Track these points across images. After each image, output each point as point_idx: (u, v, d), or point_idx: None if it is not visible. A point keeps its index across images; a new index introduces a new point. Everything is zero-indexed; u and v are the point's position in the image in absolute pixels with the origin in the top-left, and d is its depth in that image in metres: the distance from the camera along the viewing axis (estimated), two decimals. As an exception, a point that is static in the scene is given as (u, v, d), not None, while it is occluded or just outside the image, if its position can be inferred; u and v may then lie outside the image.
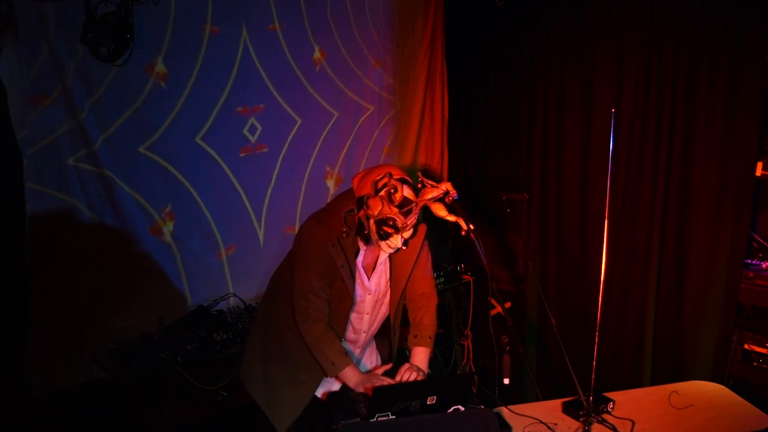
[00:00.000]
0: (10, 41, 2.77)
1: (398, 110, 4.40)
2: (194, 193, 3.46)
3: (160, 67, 3.24)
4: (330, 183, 4.04)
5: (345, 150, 4.09)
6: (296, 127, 3.80)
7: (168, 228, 3.38)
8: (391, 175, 2.15)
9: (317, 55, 3.84)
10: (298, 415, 2.41)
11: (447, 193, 2.15)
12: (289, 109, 3.77)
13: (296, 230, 3.64)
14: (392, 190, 2.12)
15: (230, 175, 3.58)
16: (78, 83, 3.00)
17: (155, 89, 3.23)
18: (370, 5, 4.11)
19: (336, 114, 4.00)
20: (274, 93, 3.70)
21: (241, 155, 3.60)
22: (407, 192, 2.15)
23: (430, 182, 2.17)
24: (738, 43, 3.10)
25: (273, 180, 3.76)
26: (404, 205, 2.13)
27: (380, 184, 2.15)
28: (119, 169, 3.17)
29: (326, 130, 3.97)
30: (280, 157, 3.78)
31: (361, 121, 4.17)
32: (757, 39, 3.05)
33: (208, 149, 3.48)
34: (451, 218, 2.19)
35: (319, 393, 2.49)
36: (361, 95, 4.16)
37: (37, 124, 2.92)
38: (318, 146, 3.94)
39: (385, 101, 4.32)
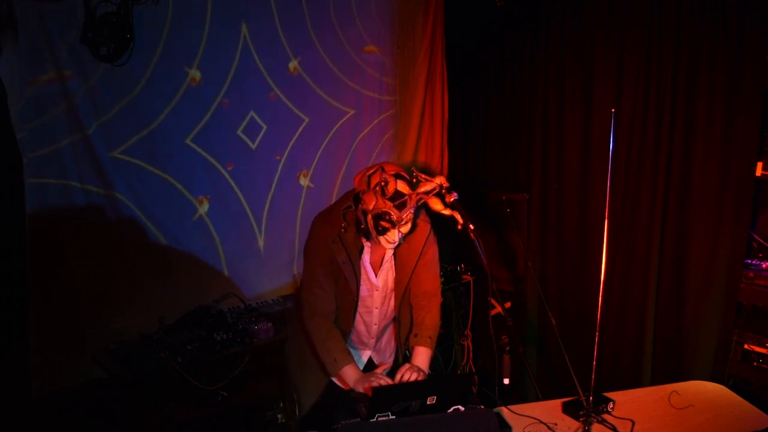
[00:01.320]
0: (10, 41, 2.77)
1: (398, 110, 4.39)
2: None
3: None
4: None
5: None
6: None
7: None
8: (383, 169, 2.19)
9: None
10: (317, 397, 2.49)
11: (441, 186, 2.18)
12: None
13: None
14: (383, 183, 2.15)
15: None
16: (83, 89, 3.02)
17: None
18: (358, 7, 4.02)
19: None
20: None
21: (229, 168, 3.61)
22: (400, 185, 2.18)
23: (424, 176, 2.21)
24: (738, 43, 3.10)
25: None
26: (397, 198, 2.16)
27: (373, 179, 2.19)
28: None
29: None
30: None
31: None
32: (757, 39, 3.04)
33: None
34: (447, 212, 2.22)
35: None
36: (340, 99, 4.03)
37: (44, 129, 2.94)
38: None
39: (375, 102, 4.26)
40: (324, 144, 4.01)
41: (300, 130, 3.86)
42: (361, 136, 4.21)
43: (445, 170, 4.68)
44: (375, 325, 2.54)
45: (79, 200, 3.10)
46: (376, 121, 4.27)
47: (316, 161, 3.98)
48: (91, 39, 2.94)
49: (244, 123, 3.61)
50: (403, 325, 2.58)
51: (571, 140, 3.81)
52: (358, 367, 2.36)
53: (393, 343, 2.69)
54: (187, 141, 3.41)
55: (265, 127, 3.70)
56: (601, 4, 3.59)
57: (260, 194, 3.76)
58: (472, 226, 2.27)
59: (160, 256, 3.37)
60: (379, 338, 2.61)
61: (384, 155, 4.35)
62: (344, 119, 4.10)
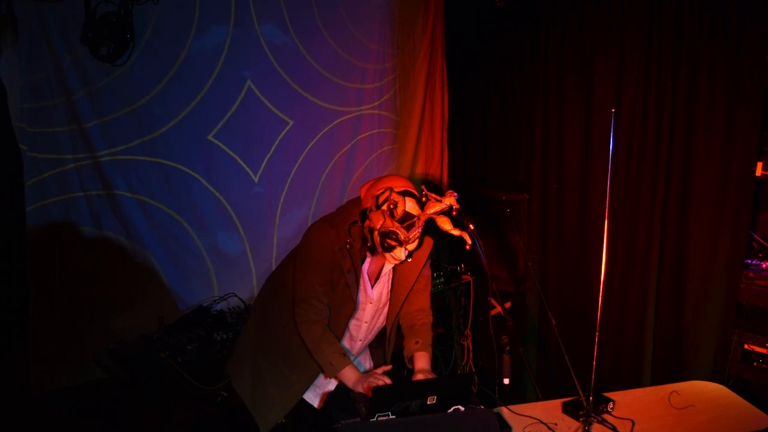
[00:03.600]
0: (10, 41, 2.78)
1: (398, 111, 4.39)
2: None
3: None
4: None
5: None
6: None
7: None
8: (391, 190, 2.11)
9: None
10: (282, 415, 2.41)
11: (451, 207, 2.12)
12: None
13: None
14: (392, 206, 2.09)
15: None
16: (78, 83, 3.02)
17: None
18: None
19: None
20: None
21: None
22: (410, 206, 2.12)
23: (434, 196, 2.14)
24: (738, 43, 3.10)
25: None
26: (406, 220, 2.11)
27: (381, 199, 2.12)
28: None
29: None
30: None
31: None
32: (757, 39, 3.04)
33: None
34: (456, 232, 2.15)
35: (315, 402, 2.48)
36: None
37: (44, 129, 2.94)
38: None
39: (375, 102, 4.24)
40: (312, 145, 4.00)
41: (284, 132, 3.82)
42: (360, 136, 4.22)
43: (445, 170, 4.68)
44: (360, 341, 2.49)
45: (79, 200, 3.10)
46: (376, 120, 4.27)
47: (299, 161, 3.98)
48: (91, 39, 2.95)
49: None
50: (392, 343, 2.54)
51: (571, 140, 3.81)
52: (356, 368, 2.34)
53: (368, 363, 2.66)
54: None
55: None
56: (601, 4, 3.59)
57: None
58: (472, 226, 2.26)
59: (161, 255, 3.37)
60: (358, 355, 2.57)
61: (384, 155, 4.35)
62: (342, 120, 4.10)
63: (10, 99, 2.81)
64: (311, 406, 2.49)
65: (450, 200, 2.11)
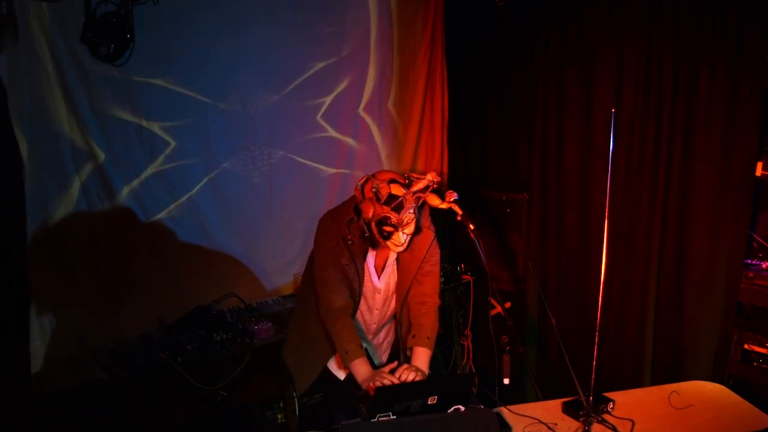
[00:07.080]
0: (10, 41, 2.78)
1: (398, 110, 4.38)
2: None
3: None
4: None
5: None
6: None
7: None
8: (374, 176, 2.25)
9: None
10: (312, 381, 2.58)
11: (432, 182, 2.24)
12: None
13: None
14: (374, 190, 2.21)
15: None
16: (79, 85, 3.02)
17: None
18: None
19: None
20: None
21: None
22: (394, 189, 2.23)
23: (415, 175, 2.28)
24: (738, 43, 3.10)
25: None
26: (391, 201, 2.21)
27: (366, 188, 2.25)
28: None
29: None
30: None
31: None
32: (757, 39, 3.04)
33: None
34: (444, 206, 2.29)
35: (342, 375, 2.57)
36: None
37: (44, 128, 2.94)
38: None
39: (375, 102, 4.23)
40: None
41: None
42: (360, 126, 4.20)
43: (445, 170, 4.67)
44: (374, 324, 2.61)
45: (79, 200, 3.10)
46: (376, 119, 4.27)
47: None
48: (91, 39, 2.95)
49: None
50: (404, 325, 2.62)
51: (571, 140, 3.81)
52: (368, 363, 2.39)
53: (391, 337, 2.74)
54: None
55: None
56: (601, 4, 3.58)
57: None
58: (472, 226, 2.30)
59: (161, 255, 3.37)
60: (375, 335, 2.68)
61: (384, 155, 4.35)
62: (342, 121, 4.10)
63: (10, 99, 2.82)
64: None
65: (431, 176, 2.24)
